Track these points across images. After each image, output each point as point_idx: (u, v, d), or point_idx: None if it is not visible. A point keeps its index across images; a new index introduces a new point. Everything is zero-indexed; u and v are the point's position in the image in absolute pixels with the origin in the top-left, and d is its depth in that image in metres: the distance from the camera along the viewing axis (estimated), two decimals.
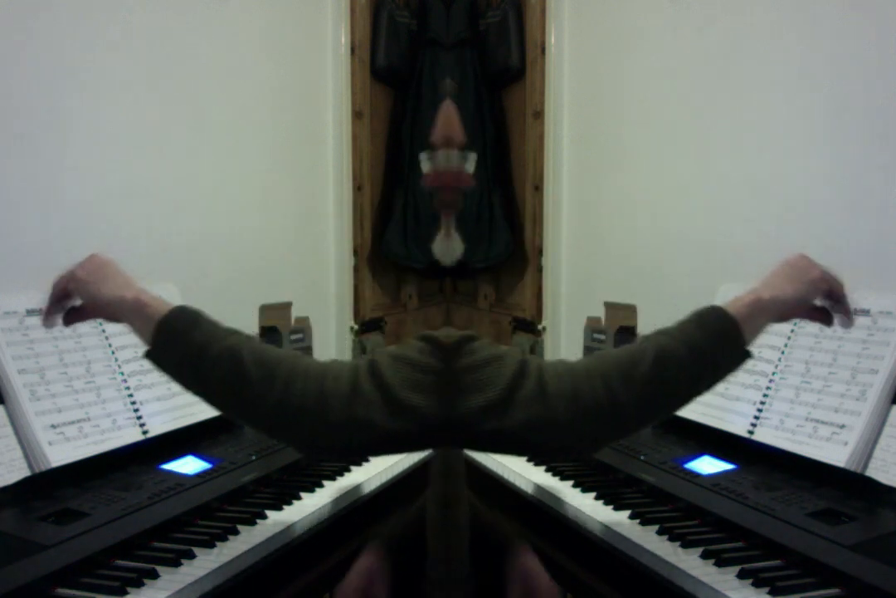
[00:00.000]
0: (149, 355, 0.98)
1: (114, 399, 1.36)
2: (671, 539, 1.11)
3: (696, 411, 1.46)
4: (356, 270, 2.42)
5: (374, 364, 0.93)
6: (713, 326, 0.96)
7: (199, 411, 1.45)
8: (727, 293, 1.51)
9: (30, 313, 1.32)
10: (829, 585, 0.96)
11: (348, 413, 0.91)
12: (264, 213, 2.17)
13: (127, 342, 1.40)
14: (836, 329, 1.10)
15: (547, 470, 1.39)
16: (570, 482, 1.33)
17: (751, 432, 1.37)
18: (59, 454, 1.23)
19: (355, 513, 1.28)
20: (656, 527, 1.14)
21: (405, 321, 2.60)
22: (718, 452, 1.37)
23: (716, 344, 0.95)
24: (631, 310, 1.77)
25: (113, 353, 1.41)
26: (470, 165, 1.14)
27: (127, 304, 0.98)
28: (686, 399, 0.97)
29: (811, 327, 1.37)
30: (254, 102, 2.14)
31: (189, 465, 1.33)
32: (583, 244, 2.33)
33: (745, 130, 1.81)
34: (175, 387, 1.02)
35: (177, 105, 1.90)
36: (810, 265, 1.04)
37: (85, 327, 1.37)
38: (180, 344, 0.95)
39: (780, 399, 1.36)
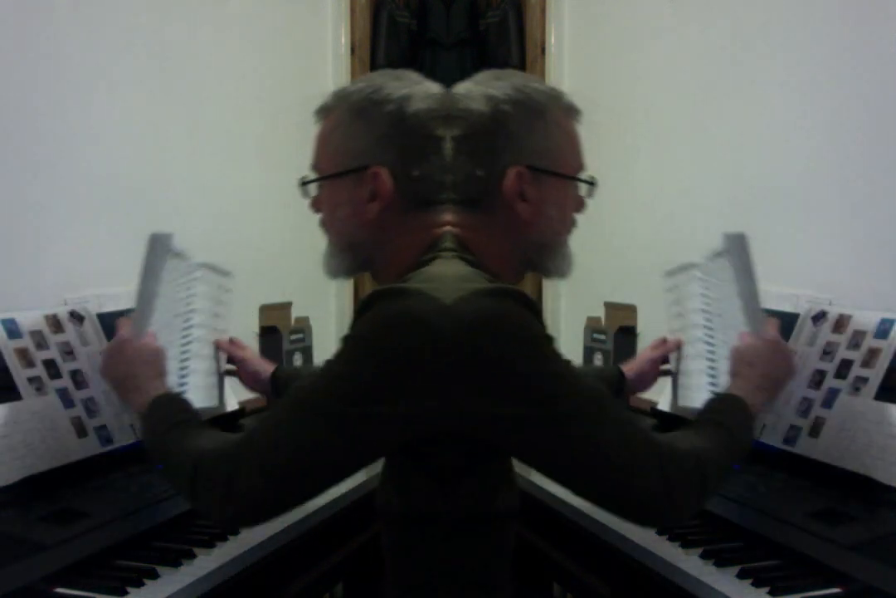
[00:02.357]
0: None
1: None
2: (671, 539, 1.11)
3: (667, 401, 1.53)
4: None
5: None
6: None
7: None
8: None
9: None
10: (829, 585, 0.96)
11: None
12: (264, 213, 2.17)
13: None
14: None
15: None
16: None
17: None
18: None
19: (356, 513, 1.28)
20: (656, 527, 1.14)
21: None
22: None
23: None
24: (631, 310, 1.77)
25: None
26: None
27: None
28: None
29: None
30: (254, 101, 2.14)
31: None
32: (583, 244, 2.32)
33: (746, 130, 1.81)
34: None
35: (176, 105, 1.90)
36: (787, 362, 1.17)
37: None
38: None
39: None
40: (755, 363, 1.11)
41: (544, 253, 1.04)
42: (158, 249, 1.28)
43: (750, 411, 1.03)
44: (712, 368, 1.41)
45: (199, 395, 1.42)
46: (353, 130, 0.96)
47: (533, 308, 0.88)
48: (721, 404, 1.05)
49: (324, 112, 1.00)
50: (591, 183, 1.03)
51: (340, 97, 0.99)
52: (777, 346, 1.15)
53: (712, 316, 1.42)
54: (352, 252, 1.03)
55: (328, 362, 0.87)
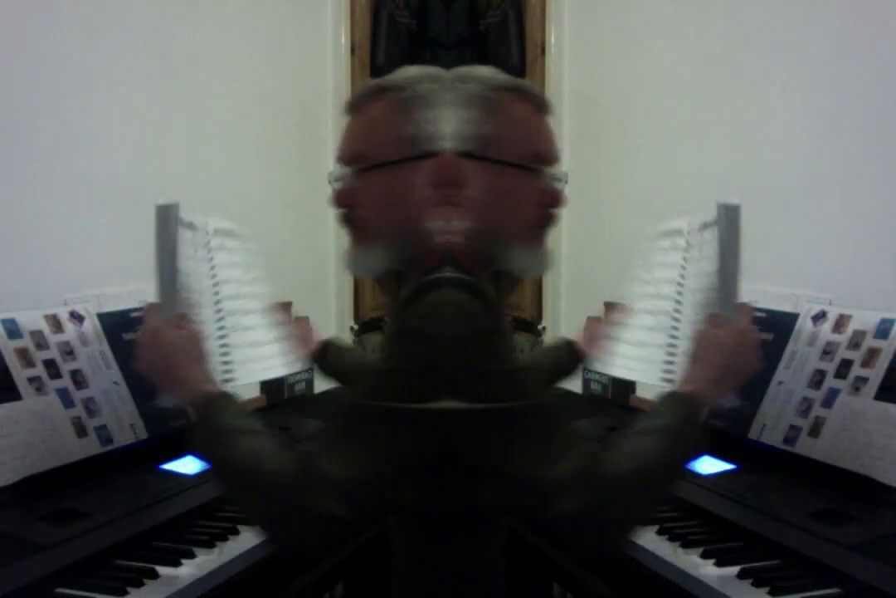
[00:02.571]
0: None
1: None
2: (671, 539, 1.11)
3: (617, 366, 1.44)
4: None
5: None
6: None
7: None
8: None
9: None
10: (829, 585, 0.96)
11: None
12: (264, 212, 2.17)
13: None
14: None
15: None
16: None
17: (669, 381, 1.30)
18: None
19: None
20: (656, 527, 1.14)
21: None
22: (718, 452, 1.36)
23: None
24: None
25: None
26: None
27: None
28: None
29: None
30: (254, 101, 2.14)
31: (189, 465, 1.33)
32: (583, 244, 2.33)
33: (746, 130, 1.81)
34: None
35: (176, 105, 1.90)
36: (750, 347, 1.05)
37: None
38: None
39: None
40: (718, 353, 1.04)
41: (506, 249, 1.01)
42: (169, 221, 1.15)
43: (701, 410, 0.98)
44: (672, 345, 1.34)
45: (256, 367, 1.36)
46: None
47: None
48: (670, 407, 0.98)
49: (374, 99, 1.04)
50: (558, 176, 1.03)
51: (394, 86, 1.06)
52: (745, 336, 1.06)
53: (685, 291, 1.33)
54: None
55: None
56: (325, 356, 1.45)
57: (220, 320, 1.35)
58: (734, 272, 1.11)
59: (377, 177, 0.99)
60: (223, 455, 0.91)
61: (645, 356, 1.37)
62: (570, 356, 1.46)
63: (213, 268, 1.33)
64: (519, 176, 0.99)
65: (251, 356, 1.40)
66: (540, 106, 1.03)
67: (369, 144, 1.00)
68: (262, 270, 1.43)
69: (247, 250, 1.40)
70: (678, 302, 1.33)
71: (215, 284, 1.34)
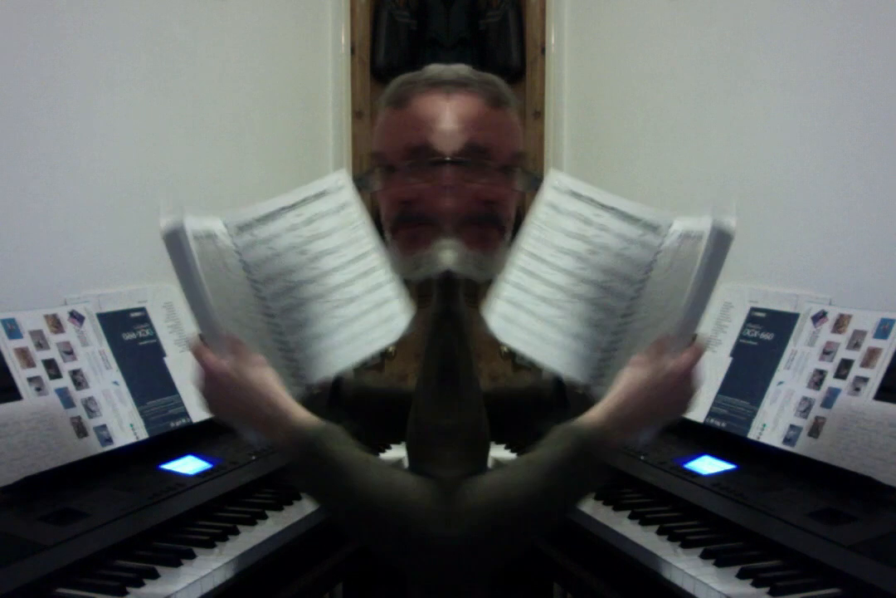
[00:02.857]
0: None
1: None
2: (671, 539, 1.11)
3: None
4: None
5: None
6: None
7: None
8: (726, 294, 1.52)
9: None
10: (829, 585, 0.96)
11: None
12: None
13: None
14: None
15: None
16: None
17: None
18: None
19: None
20: (656, 527, 1.15)
21: None
22: (718, 452, 1.37)
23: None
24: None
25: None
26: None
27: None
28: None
29: None
30: (253, 101, 2.14)
31: (189, 465, 1.33)
32: None
33: (746, 130, 1.81)
34: None
35: (176, 105, 1.90)
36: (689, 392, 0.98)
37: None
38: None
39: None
40: (646, 390, 0.95)
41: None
42: (182, 248, 0.96)
43: (598, 449, 0.92)
44: (606, 351, 1.13)
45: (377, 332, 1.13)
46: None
47: None
48: (561, 440, 0.92)
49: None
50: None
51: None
52: (684, 380, 0.96)
53: (642, 297, 1.10)
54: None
55: None
56: (337, 392, 1.28)
57: (288, 310, 1.10)
58: (702, 301, 0.98)
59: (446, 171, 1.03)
60: (349, 489, 0.88)
61: (575, 350, 1.13)
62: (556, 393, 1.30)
63: (249, 272, 1.08)
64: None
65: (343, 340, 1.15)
66: (491, 99, 1.08)
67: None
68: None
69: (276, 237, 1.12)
70: (631, 306, 1.10)
71: (258, 288, 1.08)
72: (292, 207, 1.13)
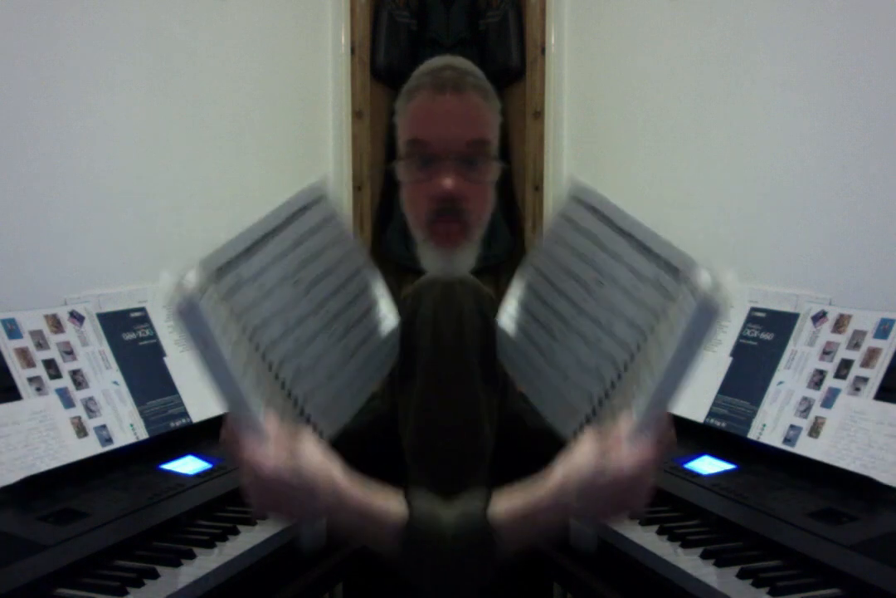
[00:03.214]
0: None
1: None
2: (671, 539, 1.11)
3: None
4: None
5: None
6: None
7: (198, 411, 1.46)
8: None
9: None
10: (829, 585, 0.96)
11: None
12: (264, 212, 2.16)
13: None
14: None
15: None
16: None
17: None
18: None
19: None
20: (656, 527, 1.14)
21: None
22: (718, 452, 1.37)
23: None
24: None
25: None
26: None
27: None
28: None
29: None
30: (253, 101, 2.14)
31: (189, 465, 1.33)
32: None
33: (746, 130, 1.81)
34: None
35: (176, 105, 1.90)
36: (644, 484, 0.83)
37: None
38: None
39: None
40: (579, 491, 0.82)
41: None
42: (197, 324, 0.78)
43: (494, 549, 0.84)
44: (600, 400, 0.95)
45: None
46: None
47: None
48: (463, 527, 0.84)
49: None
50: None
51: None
52: (640, 475, 0.81)
53: (643, 352, 0.90)
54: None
55: None
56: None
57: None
58: (675, 381, 0.80)
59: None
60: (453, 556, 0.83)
61: (564, 395, 1.00)
62: None
63: (240, 320, 0.88)
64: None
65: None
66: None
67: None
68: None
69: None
70: (635, 358, 0.90)
71: (254, 339, 0.89)
72: (274, 231, 0.94)
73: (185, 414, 1.45)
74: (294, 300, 0.94)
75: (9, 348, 1.26)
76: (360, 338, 1.03)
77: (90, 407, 1.32)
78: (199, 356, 0.79)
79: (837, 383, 1.29)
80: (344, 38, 2.39)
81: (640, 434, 0.81)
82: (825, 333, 1.35)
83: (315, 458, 0.83)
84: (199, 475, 1.29)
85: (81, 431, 1.29)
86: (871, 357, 1.27)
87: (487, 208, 1.06)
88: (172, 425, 1.42)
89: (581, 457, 0.83)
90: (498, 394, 1.13)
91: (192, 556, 1.05)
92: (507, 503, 0.84)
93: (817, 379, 1.32)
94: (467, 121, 1.01)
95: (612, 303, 0.91)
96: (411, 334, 1.06)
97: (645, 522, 1.16)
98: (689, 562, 1.05)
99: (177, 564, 1.03)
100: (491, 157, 1.02)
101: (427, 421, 1.03)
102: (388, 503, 0.85)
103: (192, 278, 0.78)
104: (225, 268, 0.84)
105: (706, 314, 0.76)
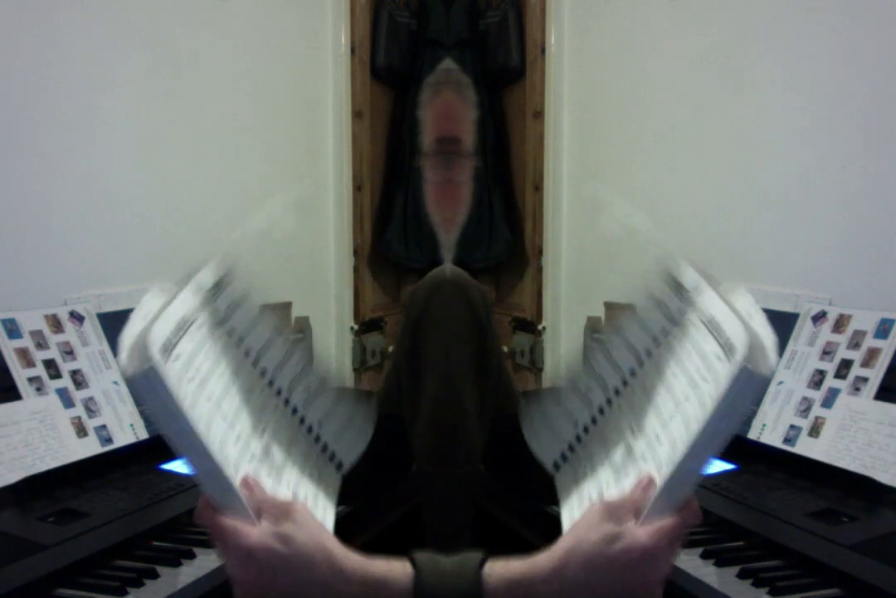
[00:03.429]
0: None
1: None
2: None
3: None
4: (356, 270, 2.42)
5: None
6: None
7: None
8: (726, 293, 1.52)
9: None
10: (829, 585, 0.96)
11: None
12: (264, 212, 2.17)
13: None
14: None
15: None
16: None
17: None
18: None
19: (357, 512, 1.28)
20: None
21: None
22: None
23: None
24: (631, 310, 1.76)
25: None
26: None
27: None
28: None
29: None
30: (253, 102, 2.14)
31: None
32: (583, 244, 2.33)
33: (746, 130, 1.81)
34: None
35: (176, 105, 1.90)
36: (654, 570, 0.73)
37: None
38: None
39: None
40: (584, 566, 0.72)
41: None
42: (155, 389, 0.69)
43: None
44: (578, 438, 0.92)
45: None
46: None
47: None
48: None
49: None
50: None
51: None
52: (647, 559, 0.72)
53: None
54: None
55: None
56: None
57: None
58: (706, 452, 0.72)
59: None
60: None
61: (550, 418, 0.95)
62: None
63: (243, 341, 0.87)
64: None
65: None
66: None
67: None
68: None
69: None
70: (629, 383, 0.89)
71: (258, 364, 0.87)
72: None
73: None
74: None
75: (9, 348, 1.26)
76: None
77: (90, 407, 1.32)
78: (161, 423, 0.70)
79: (837, 383, 1.29)
80: (344, 38, 2.39)
81: (661, 503, 0.73)
82: (825, 333, 1.35)
83: (309, 524, 0.74)
84: None
85: (81, 431, 1.29)
86: (871, 357, 1.27)
87: None
88: None
89: (589, 523, 0.74)
90: (492, 392, 1.13)
91: (192, 556, 1.05)
92: (505, 568, 0.74)
93: (817, 379, 1.32)
94: None
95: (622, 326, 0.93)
96: (416, 338, 1.07)
97: None
98: (689, 562, 1.05)
99: (177, 564, 1.03)
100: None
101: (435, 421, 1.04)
102: (391, 567, 0.74)
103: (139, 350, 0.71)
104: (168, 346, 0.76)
105: (745, 382, 0.68)
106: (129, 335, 0.76)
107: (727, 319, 0.78)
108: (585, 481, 0.87)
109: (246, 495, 0.73)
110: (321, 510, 0.86)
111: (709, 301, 0.83)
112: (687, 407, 0.75)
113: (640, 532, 0.71)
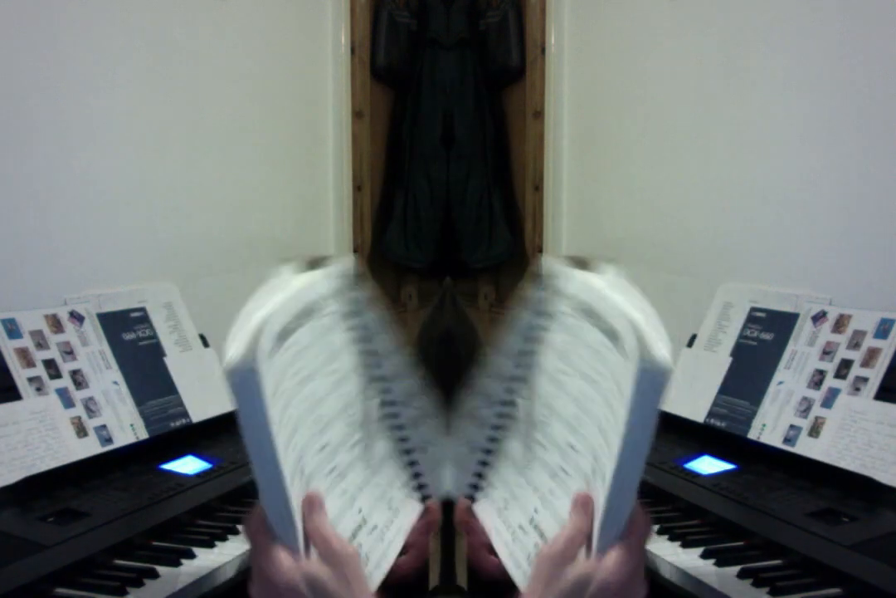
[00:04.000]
0: None
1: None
2: (671, 539, 1.11)
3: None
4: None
5: None
6: None
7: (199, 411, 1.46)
8: (726, 293, 1.52)
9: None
10: (829, 585, 0.96)
11: None
12: (264, 212, 2.17)
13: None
14: None
15: None
16: None
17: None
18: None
19: None
20: (656, 527, 1.14)
21: (405, 321, 2.60)
22: (718, 452, 1.37)
23: None
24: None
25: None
26: None
27: None
28: None
29: None
30: (253, 101, 2.14)
31: (189, 465, 1.33)
32: (583, 244, 2.33)
33: (746, 130, 1.81)
34: None
35: (176, 105, 1.90)
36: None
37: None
38: None
39: None
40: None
41: None
42: (241, 389, 0.63)
43: None
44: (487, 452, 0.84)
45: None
46: None
47: None
48: None
49: None
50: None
51: None
52: (625, 588, 0.65)
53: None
54: None
55: None
56: None
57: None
58: (635, 466, 0.66)
59: None
60: None
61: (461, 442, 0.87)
62: None
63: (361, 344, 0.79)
64: None
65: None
66: None
67: None
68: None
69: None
70: (511, 389, 0.81)
71: (374, 372, 0.80)
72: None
73: (185, 414, 1.45)
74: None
75: (9, 348, 1.26)
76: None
77: (90, 407, 1.32)
78: (242, 427, 0.65)
79: (837, 383, 1.29)
80: (344, 38, 2.39)
81: (605, 536, 0.65)
82: (825, 333, 1.35)
83: (350, 576, 0.65)
84: (199, 475, 1.29)
85: (81, 431, 1.29)
86: (871, 357, 1.27)
87: None
88: (172, 425, 1.42)
89: (547, 579, 0.65)
90: None
91: (192, 556, 1.05)
92: None
93: (817, 379, 1.32)
94: None
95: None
96: None
97: None
98: (689, 562, 1.05)
99: (177, 564, 1.03)
100: None
101: None
102: None
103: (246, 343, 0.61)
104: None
105: (650, 377, 0.61)
106: (250, 315, 0.65)
107: (600, 301, 0.68)
108: (509, 511, 0.79)
109: (304, 514, 0.66)
110: (380, 551, 0.75)
111: (575, 285, 0.73)
112: (592, 408, 0.68)
113: (605, 565, 0.64)
